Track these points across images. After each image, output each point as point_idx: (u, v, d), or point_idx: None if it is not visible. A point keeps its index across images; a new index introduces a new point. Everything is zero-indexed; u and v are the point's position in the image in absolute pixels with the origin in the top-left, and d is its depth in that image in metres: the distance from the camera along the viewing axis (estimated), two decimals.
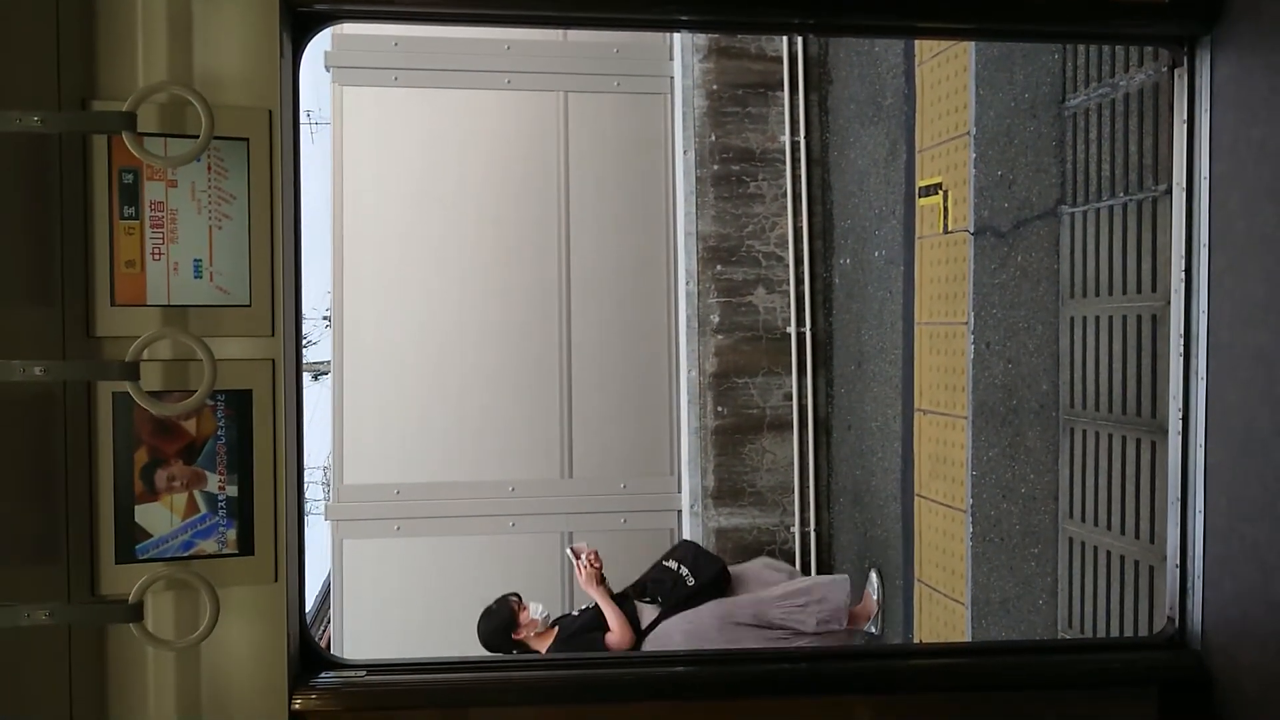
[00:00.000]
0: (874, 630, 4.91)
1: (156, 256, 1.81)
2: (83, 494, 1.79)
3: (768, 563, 4.79)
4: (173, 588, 1.81)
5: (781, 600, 4.44)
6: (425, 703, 2.01)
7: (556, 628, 4.31)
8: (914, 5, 2.20)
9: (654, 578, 4.43)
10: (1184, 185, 2.23)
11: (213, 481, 1.85)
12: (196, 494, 1.84)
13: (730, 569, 4.57)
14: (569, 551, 4.34)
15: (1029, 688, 2.15)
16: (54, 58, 1.74)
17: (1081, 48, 3.39)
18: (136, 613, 1.73)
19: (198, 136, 1.73)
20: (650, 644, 4.30)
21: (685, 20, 2.62)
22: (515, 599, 4.31)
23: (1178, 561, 2.22)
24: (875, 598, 4.89)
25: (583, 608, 4.40)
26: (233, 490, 1.85)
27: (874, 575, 4.93)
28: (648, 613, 4.31)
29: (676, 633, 4.33)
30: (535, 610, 4.27)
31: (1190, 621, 2.18)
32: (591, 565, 4.23)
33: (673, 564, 4.44)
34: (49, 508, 1.77)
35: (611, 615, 4.21)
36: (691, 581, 4.32)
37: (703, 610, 4.33)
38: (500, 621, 4.24)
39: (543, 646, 4.26)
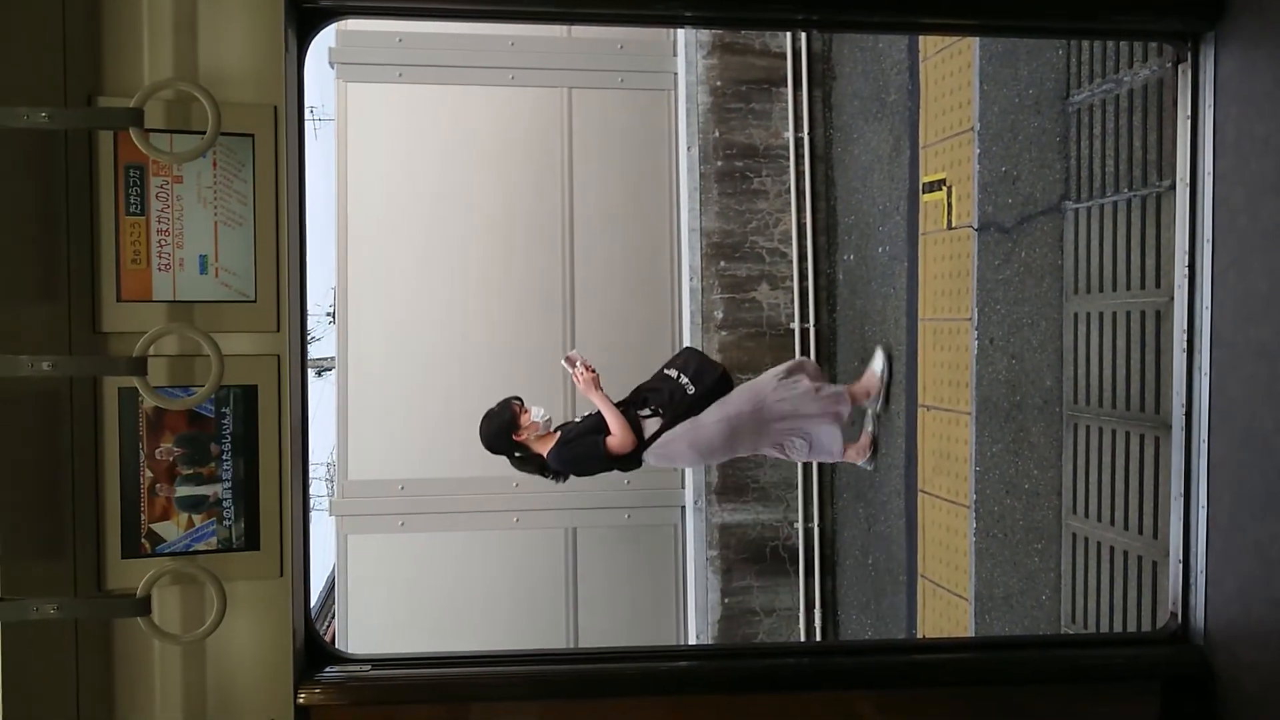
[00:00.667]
0: (876, 409, 4.78)
1: (162, 252, 1.82)
2: (89, 489, 1.80)
3: (775, 373, 4.57)
4: (179, 582, 1.82)
5: (778, 386, 4.36)
6: (429, 697, 2.01)
7: (559, 432, 4.28)
8: (917, 1, 2.20)
9: (652, 386, 4.34)
10: (1188, 181, 2.23)
11: (218, 476, 1.86)
12: (202, 489, 1.85)
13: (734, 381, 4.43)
14: (563, 362, 4.28)
15: (1032, 683, 2.15)
16: (61, 54, 1.75)
17: (1085, 43, 3.39)
18: (144, 607, 1.74)
19: (203, 133, 1.74)
20: (653, 455, 4.27)
21: (689, 16, 2.63)
22: (517, 402, 4.27)
23: (1180, 557, 2.22)
24: (879, 373, 4.75)
25: (585, 414, 4.35)
26: (238, 485, 1.86)
27: (879, 352, 4.77)
28: (650, 425, 4.24)
29: (680, 443, 4.27)
30: (537, 413, 4.22)
31: (1193, 617, 2.18)
32: (588, 370, 4.17)
33: (672, 372, 4.34)
34: (55, 503, 1.78)
35: (612, 418, 4.16)
36: (692, 390, 4.24)
37: (703, 417, 4.27)
38: (501, 424, 4.21)
39: (544, 449, 4.24)
